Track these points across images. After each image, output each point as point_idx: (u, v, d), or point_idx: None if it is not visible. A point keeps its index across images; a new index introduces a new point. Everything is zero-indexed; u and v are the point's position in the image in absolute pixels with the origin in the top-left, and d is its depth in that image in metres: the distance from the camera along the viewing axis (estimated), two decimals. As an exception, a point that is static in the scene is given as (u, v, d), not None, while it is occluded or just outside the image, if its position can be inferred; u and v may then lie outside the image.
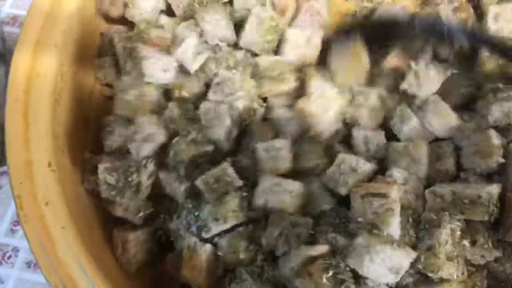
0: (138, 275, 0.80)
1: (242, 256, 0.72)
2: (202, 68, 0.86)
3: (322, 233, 0.71)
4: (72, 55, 0.87)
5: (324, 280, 0.64)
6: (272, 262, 0.72)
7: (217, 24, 0.86)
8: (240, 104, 0.82)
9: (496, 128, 0.77)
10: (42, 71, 0.80)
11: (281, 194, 0.72)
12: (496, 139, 0.74)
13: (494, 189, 0.69)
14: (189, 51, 0.84)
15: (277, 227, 0.70)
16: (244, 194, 0.74)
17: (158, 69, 0.84)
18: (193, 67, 0.85)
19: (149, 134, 0.78)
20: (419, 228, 0.70)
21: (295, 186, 0.73)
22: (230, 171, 0.74)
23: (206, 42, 0.87)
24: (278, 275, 0.71)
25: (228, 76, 0.83)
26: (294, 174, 0.77)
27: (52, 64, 0.81)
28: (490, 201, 0.69)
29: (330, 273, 0.65)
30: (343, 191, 0.74)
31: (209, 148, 0.78)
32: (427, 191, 0.73)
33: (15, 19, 1.22)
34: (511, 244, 0.71)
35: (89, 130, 0.89)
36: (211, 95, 0.83)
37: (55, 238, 0.70)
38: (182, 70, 0.86)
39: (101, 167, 0.76)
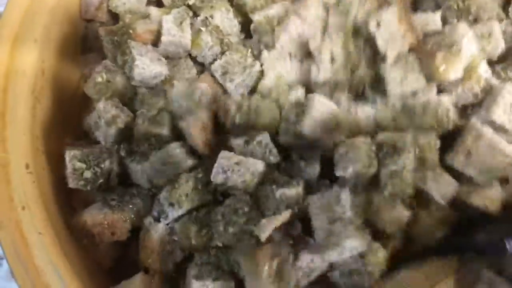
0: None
1: (194, 241, 0.70)
2: (197, 42, 0.82)
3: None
4: (54, 51, 0.84)
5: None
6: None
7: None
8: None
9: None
10: (21, 68, 0.76)
11: (242, 173, 0.68)
12: None
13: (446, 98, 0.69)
14: (171, 26, 0.81)
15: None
16: (199, 175, 0.70)
17: (147, 75, 0.80)
18: (187, 37, 0.81)
19: (113, 116, 0.75)
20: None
21: (256, 165, 0.69)
22: (178, 151, 0.70)
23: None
24: (232, 260, 0.69)
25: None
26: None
27: (31, 61, 0.78)
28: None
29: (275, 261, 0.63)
30: None
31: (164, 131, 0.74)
32: None
33: None
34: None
35: (70, 130, 0.85)
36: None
37: (31, 244, 0.66)
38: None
39: (69, 153, 0.73)
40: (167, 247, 0.71)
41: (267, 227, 0.64)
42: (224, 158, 0.68)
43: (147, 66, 0.78)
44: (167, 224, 0.71)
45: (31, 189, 0.71)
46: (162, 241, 0.71)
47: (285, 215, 0.66)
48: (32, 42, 0.78)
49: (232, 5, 0.86)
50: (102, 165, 0.73)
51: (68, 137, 0.83)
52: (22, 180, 0.70)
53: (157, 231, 0.71)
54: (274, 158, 0.71)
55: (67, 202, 0.77)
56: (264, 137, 0.71)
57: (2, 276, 0.92)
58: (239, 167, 0.67)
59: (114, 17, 0.91)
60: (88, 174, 0.73)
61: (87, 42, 0.94)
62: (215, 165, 0.68)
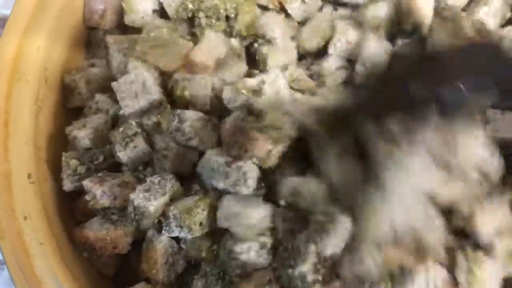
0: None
1: (204, 254, 0.70)
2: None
3: None
4: (58, 59, 0.84)
5: None
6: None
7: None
8: None
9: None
10: (24, 76, 0.76)
11: (244, 220, 0.68)
12: None
13: None
14: None
15: None
16: (214, 204, 0.70)
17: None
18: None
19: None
20: None
21: (260, 213, 0.68)
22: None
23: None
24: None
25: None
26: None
27: (35, 69, 0.78)
28: None
29: None
30: None
31: None
32: None
33: (5, 20, 1.18)
34: None
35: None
36: None
37: (33, 254, 0.66)
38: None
39: (65, 154, 0.76)
40: (169, 258, 0.71)
41: None
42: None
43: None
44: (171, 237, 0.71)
45: (33, 200, 0.71)
46: (166, 252, 0.71)
47: None
48: (35, 51, 0.78)
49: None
50: (96, 162, 0.75)
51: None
52: (24, 190, 0.70)
53: (161, 242, 0.71)
54: None
55: (69, 213, 0.77)
56: None
57: (2, 281, 0.92)
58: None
59: (118, 26, 0.91)
60: (82, 169, 0.74)
61: (89, 49, 0.94)
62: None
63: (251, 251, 0.67)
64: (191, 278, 0.71)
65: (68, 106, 0.86)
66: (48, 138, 0.79)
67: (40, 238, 0.68)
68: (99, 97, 0.84)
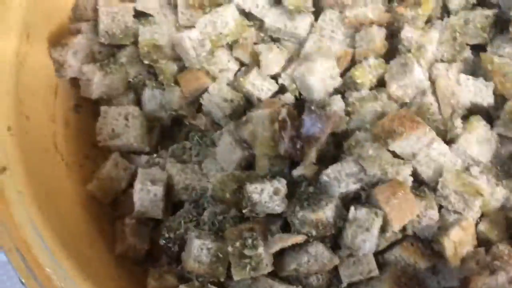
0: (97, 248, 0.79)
1: (228, 196, 0.76)
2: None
3: None
4: (41, 17, 0.84)
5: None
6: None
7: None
8: None
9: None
10: (3, 30, 0.76)
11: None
12: None
13: None
14: None
15: None
16: None
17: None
18: None
19: None
20: None
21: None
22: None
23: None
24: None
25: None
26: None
27: (15, 25, 0.78)
28: None
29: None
30: None
31: None
32: None
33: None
34: None
35: (57, 97, 0.87)
36: None
37: (11, 201, 0.68)
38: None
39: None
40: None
41: (277, 243, 0.70)
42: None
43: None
44: None
45: (13, 151, 0.72)
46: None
47: (297, 238, 0.70)
48: (18, 6, 0.78)
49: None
50: None
51: (55, 105, 0.85)
52: (3, 142, 0.72)
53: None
54: None
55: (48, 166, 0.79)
56: None
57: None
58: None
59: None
60: None
61: (77, 11, 0.94)
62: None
63: (264, 193, 0.70)
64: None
65: (62, 78, 0.87)
66: (31, 94, 0.79)
67: (19, 187, 0.69)
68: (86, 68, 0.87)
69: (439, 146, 0.74)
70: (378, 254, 0.74)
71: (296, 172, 0.74)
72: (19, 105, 0.76)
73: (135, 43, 0.88)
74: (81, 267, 0.68)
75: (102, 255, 0.77)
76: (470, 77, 0.78)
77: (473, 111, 0.79)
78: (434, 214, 0.73)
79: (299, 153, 0.73)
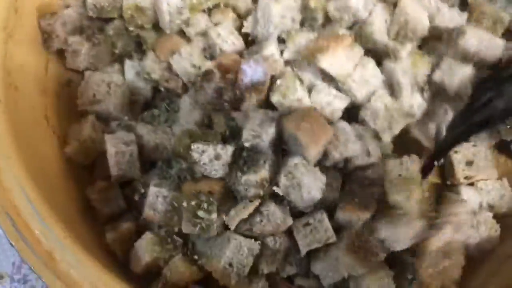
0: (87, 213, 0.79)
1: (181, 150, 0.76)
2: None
3: None
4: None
5: None
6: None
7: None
8: None
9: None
10: (-8, 4, 0.77)
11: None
12: None
13: None
14: None
15: None
16: None
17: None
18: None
19: None
20: None
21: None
22: None
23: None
24: None
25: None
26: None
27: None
28: None
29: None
30: None
31: None
32: None
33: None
34: None
35: (48, 70, 0.87)
36: None
37: (0, 167, 0.68)
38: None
39: None
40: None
41: (235, 219, 0.70)
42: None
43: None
44: None
45: (1, 119, 0.72)
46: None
47: (252, 206, 0.70)
48: (4, -21, 0.79)
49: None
50: None
51: (45, 76, 0.86)
52: (-9, 111, 0.72)
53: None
54: None
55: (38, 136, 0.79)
56: None
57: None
58: None
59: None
60: None
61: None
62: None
63: (204, 155, 0.69)
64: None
65: (49, 50, 0.88)
66: (19, 65, 0.80)
67: (7, 152, 0.69)
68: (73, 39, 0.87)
69: (371, 67, 0.77)
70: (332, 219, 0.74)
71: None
72: (7, 76, 0.77)
73: (122, 17, 0.88)
74: (70, 230, 0.67)
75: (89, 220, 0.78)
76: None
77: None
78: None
79: (235, 102, 0.73)
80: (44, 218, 0.67)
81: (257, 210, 0.71)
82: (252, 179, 0.69)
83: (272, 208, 0.71)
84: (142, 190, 0.77)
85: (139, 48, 0.89)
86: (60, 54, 0.89)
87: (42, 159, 0.77)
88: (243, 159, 0.71)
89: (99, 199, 0.79)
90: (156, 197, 0.73)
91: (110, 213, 0.80)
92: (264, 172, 0.69)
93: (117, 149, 0.78)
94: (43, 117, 0.83)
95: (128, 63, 0.87)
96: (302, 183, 0.70)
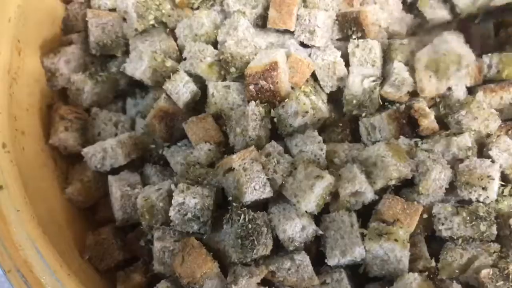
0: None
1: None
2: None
3: None
4: (31, 31, 0.83)
5: None
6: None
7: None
8: None
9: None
10: (-4, 48, 0.75)
11: None
12: None
13: None
14: None
15: None
16: None
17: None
18: None
19: None
20: None
21: None
22: None
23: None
24: None
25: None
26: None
27: (5, 41, 0.76)
28: None
29: None
30: None
31: None
32: None
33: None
34: None
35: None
36: None
37: (10, 221, 0.66)
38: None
39: None
40: None
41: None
42: None
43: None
44: None
45: (9, 169, 0.70)
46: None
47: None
48: (6, 22, 0.77)
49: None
50: None
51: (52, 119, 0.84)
52: (-1, 159, 0.70)
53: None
54: None
55: (46, 181, 0.77)
56: None
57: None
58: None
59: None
60: None
61: (68, 23, 0.93)
62: None
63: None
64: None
65: (53, 88, 0.86)
66: (26, 110, 0.78)
67: (17, 205, 0.68)
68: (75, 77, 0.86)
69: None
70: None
71: None
72: (13, 121, 0.75)
73: (127, 52, 0.88)
74: (81, 281, 0.66)
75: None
76: None
77: None
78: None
79: None
80: (56, 273, 0.65)
81: (290, 258, 0.68)
82: None
83: (306, 260, 0.68)
84: (149, 236, 0.75)
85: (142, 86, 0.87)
86: (64, 92, 0.88)
87: (50, 206, 0.75)
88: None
89: (93, 256, 0.77)
90: (163, 253, 0.71)
91: (106, 268, 0.78)
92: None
93: (122, 192, 0.76)
94: (51, 159, 0.82)
95: (129, 101, 0.87)
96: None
